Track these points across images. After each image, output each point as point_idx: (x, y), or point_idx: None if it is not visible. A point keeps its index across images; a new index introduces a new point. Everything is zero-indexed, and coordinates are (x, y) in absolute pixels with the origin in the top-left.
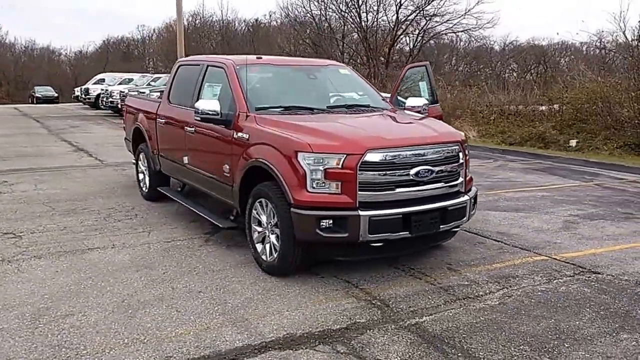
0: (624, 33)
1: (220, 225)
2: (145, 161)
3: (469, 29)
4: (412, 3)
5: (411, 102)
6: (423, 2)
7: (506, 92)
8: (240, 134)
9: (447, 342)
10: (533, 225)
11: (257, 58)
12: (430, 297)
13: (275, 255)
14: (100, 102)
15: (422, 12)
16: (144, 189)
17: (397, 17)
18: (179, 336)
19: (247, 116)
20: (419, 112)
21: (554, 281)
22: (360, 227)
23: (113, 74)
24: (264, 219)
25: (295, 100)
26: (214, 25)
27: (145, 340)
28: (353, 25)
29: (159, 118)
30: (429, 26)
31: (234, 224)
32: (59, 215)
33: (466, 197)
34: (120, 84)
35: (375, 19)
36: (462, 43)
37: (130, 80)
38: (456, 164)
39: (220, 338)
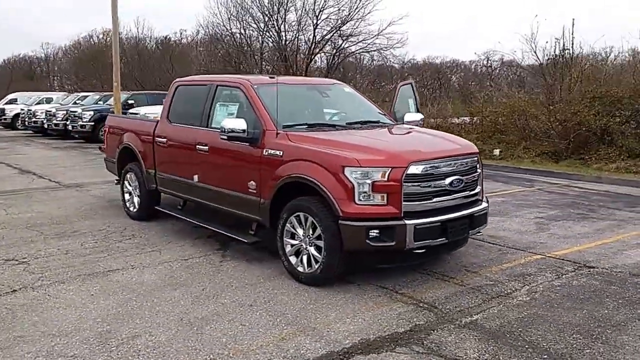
0: (535, 52)
1: (246, 241)
2: (135, 181)
3: (381, 49)
4: (327, 24)
5: (409, 117)
6: (339, 22)
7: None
8: (272, 151)
9: (509, 337)
10: (512, 227)
11: (270, 78)
12: (467, 297)
13: (316, 267)
14: (20, 122)
15: (338, 31)
16: (131, 208)
17: (314, 37)
18: (261, 348)
19: (277, 134)
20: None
21: (563, 276)
22: (407, 235)
23: (24, 93)
24: (300, 232)
25: (315, 118)
26: (130, 41)
27: (232, 355)
28: (272, 44)
29: (158, 138)
30: (345, 45)
31: (258, 239)
32: (52, 239)
33: (485, 204)
34: (38, 103)
35: (296, 37)
36: (365, 61)
37: (50, 99)
38: (476, 174)
39: (301, 347)
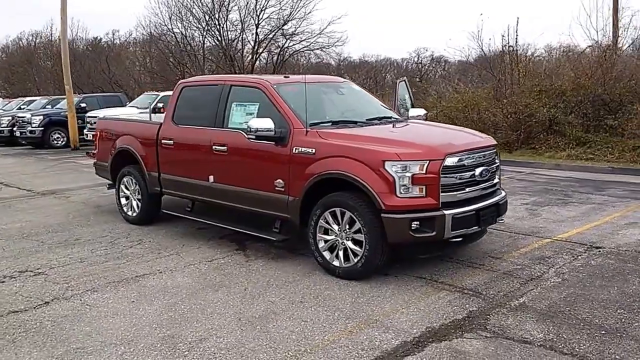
0: (482, 49)
1: (274, 239)
2: (135, 184)
3: (323, 47)
4: (269, 23)
5: (413, 112)
6: (281, 22)
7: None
8: (303, 149)
9: (562, 316)
10: (507, 214)
11: (285, 77)
12: (504, 282)
13: (355, 260)
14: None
15: (281, 30)
16: (129, 213)
17: (257, 35)
18: (335, 342)
19: (306, 132)
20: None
21: (579, 257)
22: (445, 225)
23: None
24: (335, 227)
25: (336, 115)
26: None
27: (310, 350)
28: (216, 43)
29: (164, 140)
30: (289, 44)
31: (287, 236)
32: (57, 248)
33: (504, 193)
34: None
35: (240, 37)
36: (302, 60)
37: None
38: (496, 165)
39: (374, 339)
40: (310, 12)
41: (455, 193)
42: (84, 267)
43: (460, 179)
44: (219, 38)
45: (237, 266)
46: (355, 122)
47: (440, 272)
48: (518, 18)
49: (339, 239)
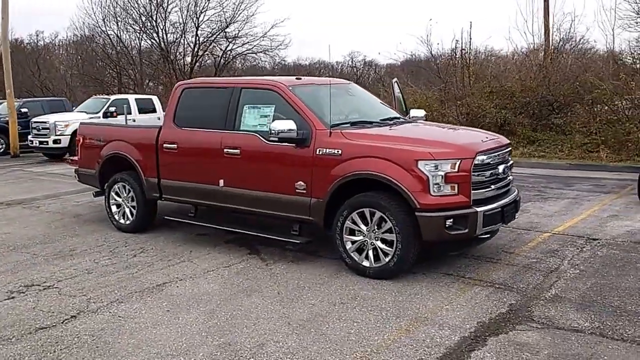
0: (431, 53)
1: (298, 242)
2: (129, 191)
3: (266, 50)
4: (209, 25)
5: (414, 113)
6: (223, 24)
7: None
8: (328, 150)
9: (597, 305)
10: None
11: (297, 79)
12: (528, 275)
13: (387, 260)
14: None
15: (223, 33)
16: (122, 221)
17: (197, 37)
18: (397, 342)
19: (330, 133)
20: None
21: (584, 249)
22: (477, 222)
23: None
24: (363, 227)
25: (351, 115)
26: None
27: (377, 351)
28: (154, 45)
29: (166, 144)
30: (231, 47)
31: (309, 239)
32: (54, 259)
33: (517, 190)
34: None
35: (179, 39)
36: (237, 64)
37: None
38: (511, 163)
39: (433, 336)
40: (253, 15)
41: (482, 190)
42: (95, 278)
43: (486, 176)
44: (158, 40)
45: (258, 270)
46: (371, 123)
47: (464, 269)
48: (471, 22)
49: (367, 239)
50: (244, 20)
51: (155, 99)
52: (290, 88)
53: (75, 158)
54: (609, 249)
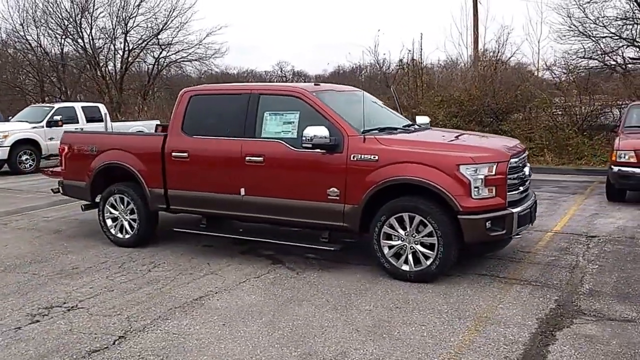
0: (378, 64)
1: (333, 249)
2: (128, 203)
3: (202, 58)
4: (138, 32)
5: (419, 120)
6: (154, 31)
7: None
8: (363, 156)
9: (632, 296)
10: None
11: (316, 85)
12: (554, 271)
13: (428, 263)
14: None
15: (155, 39)
16: (119, 235)
17: (126, 44)
18: (475, 342)
19: (364, 139)
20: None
21: (591, 246)
22: (513, 222)
23: None
24: (401, 232)
25: (375, 121)
26: None
27: (461, 352)
28: (79, 51)
29: (175, 152)
30: (165, 54)
31: (342, 245)
32: (63, 279)
33: (534, 193)
34: None
35: (109, 45)
36: (164, 72)
37: None
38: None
39: (505, 335)
40: (187, 22)
41: (513, 192)
42: (121, 295)
43: (515, 179)
44: (83, 45)
45: (292, 280)
46: (396, 129)
47: (493, 269)
48: (422, 34)
49: (406, 243)
50: (177, 28)
51: (102, 106)
52: (315, 94)
53: (57, 169)
54: (613, 245)
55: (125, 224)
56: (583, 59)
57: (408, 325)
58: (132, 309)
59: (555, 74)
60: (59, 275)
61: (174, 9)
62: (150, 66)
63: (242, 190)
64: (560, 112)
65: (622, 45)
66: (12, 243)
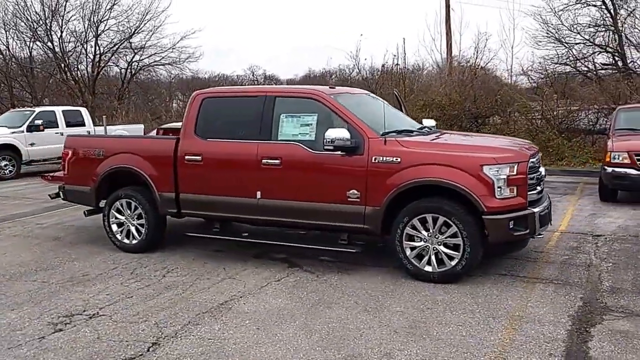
0: (358, 68)
1: (353, 251)
2: (136, 208)
3: (175, 62)
4: (108, 35)
5: (426, 122)
6: (126, 35)
7: None
8: (385, 158)
9: None
10: None
11: (331, 87)
12: (572, 270)
13: (453, 264)
14: None
15: (128, 43)
16: (125, 240)
17: (97, 47)
18: (515, 340)
19: (385, 141)
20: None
21: (599, 245)
22: (535, 222)
23: None
24: (424, 233)
25: (391, 124)
26: None
27: (505, 350)
28: (49, 54)
29: (188, 155)
30: (138, 58)
31: (361, 247)
32: (75, 286)
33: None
34: None
35: (80, 49)
36: (133, 77)
37: None
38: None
39: (543, 332)
40: (160, 26)
41: (532, 192)
42: (142, 302)
43: (533, 178)
44: (52, 48)
45: (314, 283)
46: (412, 132)
47: (513, 268)
48: (404, 38)
49: (429, 244)
50: (150, 31)
51: (84, 111)
52: (332, 96)
53: (58, 174)
54: (621, 244)
55: (132, 229)
56: (557, 65)
57: (444, 326)
58: (158, 315)
59: (532, 79)
60: (70, 282)
61: (147, 12)
62: (124, 70)
63: (258, 194)
64: (539, 117)
65: (596, 52)
66: (11, 251)
